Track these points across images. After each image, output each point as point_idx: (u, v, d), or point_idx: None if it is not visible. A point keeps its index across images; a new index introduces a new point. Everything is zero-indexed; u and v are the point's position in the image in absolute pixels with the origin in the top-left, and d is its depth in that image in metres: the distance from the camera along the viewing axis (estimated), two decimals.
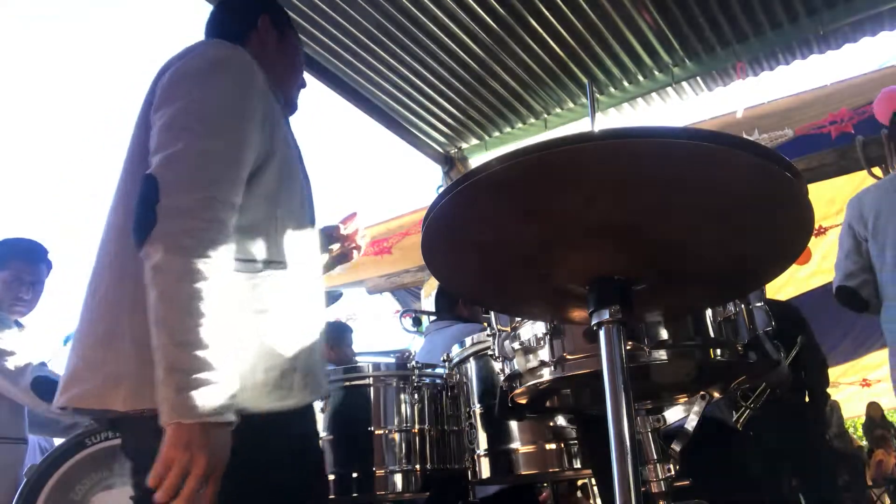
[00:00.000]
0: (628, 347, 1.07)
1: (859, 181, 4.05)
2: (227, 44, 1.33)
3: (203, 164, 1.15)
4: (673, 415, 1.38)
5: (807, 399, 3.26)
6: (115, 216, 1.27)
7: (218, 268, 1.10)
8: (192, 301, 1.06)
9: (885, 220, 2.57)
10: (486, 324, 3.24)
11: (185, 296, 1.06)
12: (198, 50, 1.30)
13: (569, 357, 1.22)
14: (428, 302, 4.87)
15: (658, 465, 1.26)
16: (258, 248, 1.24)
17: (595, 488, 2.26)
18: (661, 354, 1.16)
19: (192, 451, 1.01)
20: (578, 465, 1.95)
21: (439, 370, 2.31)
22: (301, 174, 1.43)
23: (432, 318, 3.29)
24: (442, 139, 4.83)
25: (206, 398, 1.03)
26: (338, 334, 3.95)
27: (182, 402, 1.02)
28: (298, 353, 1.26)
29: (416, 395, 2.22)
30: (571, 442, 1.94)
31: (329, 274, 4.87)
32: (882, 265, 2.57)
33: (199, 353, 1.04)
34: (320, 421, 2.24)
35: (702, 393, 1.35)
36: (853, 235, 2.70)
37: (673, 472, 1.26)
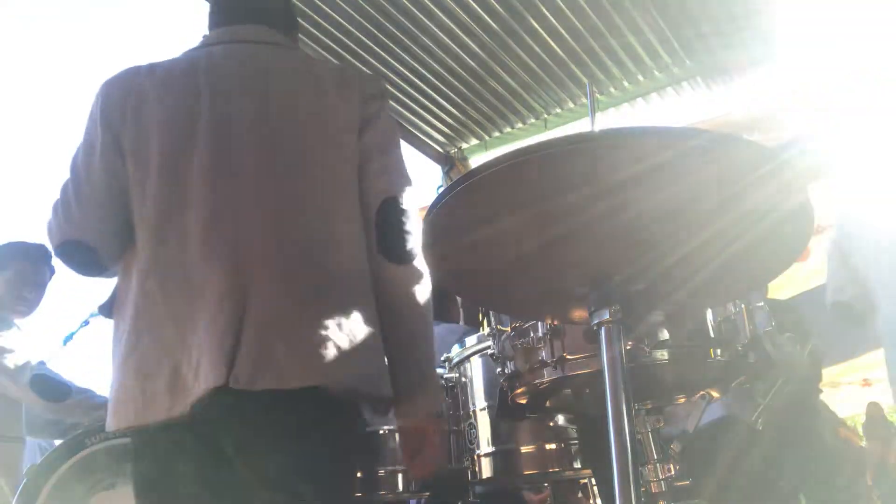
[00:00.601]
0: (628, 347, 1.07)
1: (859, 181, 4.05)
2: None
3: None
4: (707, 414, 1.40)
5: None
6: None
7: None
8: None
9: (871, 229, 2.58)
10: (463, 324, 3.26)
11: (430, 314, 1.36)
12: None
13: (569, 357, 1.22)
14: None
15: (658, 465, 1.26)
16: None
17: (595, 488, 2.26)
18: (661, 354, 1.16)
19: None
20: (578, 465, 1.95)
21: (439, 370, 2.31)
22: None
23: None
24: (442, 139, 4.83)
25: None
26: None
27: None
28: None
29: None
30: (571, 442, 1.94)
31: None
32: (875, 269, 2.58)
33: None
34: None
35: (702, 393, 1.35)
36: (839, 248, 2.71)
37: (673, 472, 1.26)
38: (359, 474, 2.13)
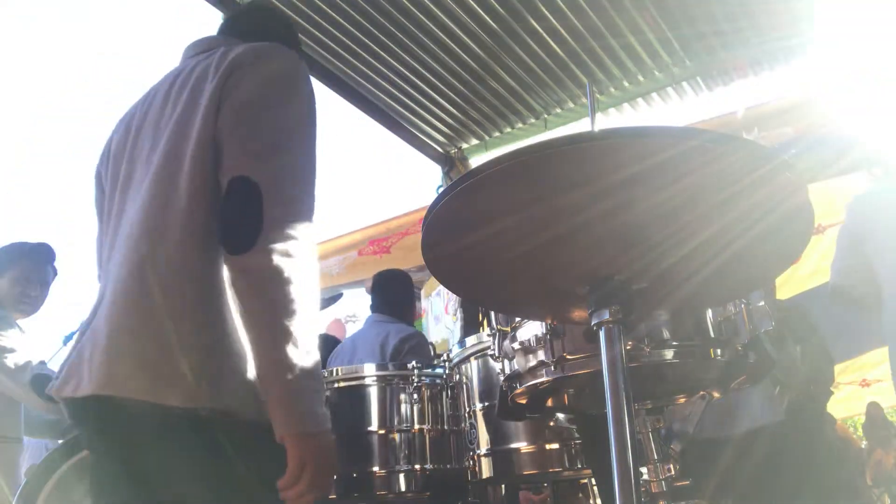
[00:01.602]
0: (628, 347, 1.07)
1: (859, 181, 4.06)
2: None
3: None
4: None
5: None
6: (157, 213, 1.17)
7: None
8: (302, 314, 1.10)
9: (885, 222, 2.58)
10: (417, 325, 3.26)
11: (293, 307, 1.09)
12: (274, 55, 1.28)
13: (569, 357, 1.22)
14: (427, 302, 4.88)
15: (658, 465, 1.26)
16: None
17: (595, 488, 2.26)
18: (662, 354, 1.16)
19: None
20: (578, 465, 1.95)
21: (439, 370, 2.31)
22: None
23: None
24: (442, 139, 4.83)
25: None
26: (326, 346, 3.96)
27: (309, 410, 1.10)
28: None
29: (416, 395, 2.22)
30: (571, 442, 1.94)
31: (329, 274, 4.90)
32: (882, 265, 2.58)
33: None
34: None
35: (702, 393, 1.35)
36: (849, 235, 2.71)
37: (673, 472, 1.26)
38: (356, 475, 2.12)
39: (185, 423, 1.07)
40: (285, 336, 1.07)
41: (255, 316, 1.09)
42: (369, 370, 2.30)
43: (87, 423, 1.19)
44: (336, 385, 2.25)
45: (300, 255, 1.11)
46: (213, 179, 1.15)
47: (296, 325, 1.08)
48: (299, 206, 1.15)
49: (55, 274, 2.85)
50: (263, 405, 1.09)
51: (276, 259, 1.08)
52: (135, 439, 1.11)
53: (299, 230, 1.12)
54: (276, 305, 1.08)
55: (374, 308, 3.25)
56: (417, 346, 2.89)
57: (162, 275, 1.12)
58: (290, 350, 1.07)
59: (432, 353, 2.89)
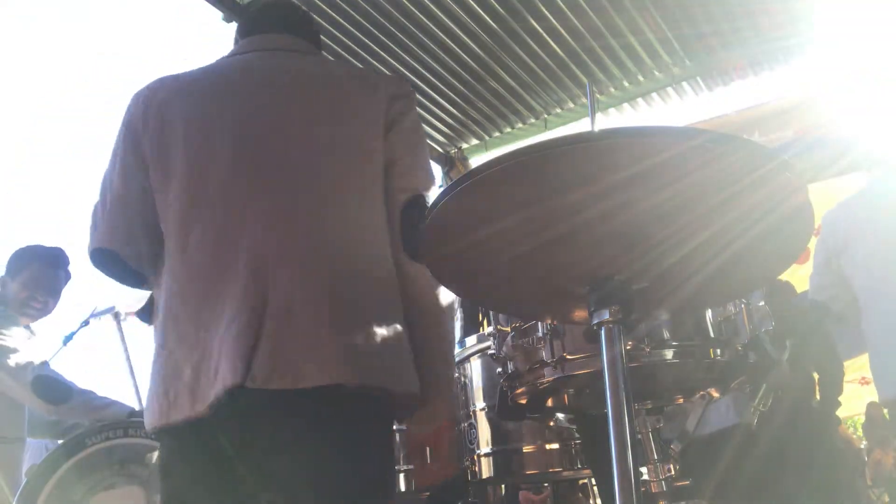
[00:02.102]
0: (628, 347, 1.07)
1: (859, 181, 4.05)
2: None
3: None
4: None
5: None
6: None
7: None
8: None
9: (859, 232, 2.59)
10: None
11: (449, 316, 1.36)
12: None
13: (569, 357, 1.22)
14: None
15: (658, 465, 1.26)
16: None
17: (595, 488, 2.26)
18: (662, 354, 1.16)
19: None
20: (578, 465, 1.95)
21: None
22: None
23: None
24: (442, 139, 4.83)
25: None
26: None
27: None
28: None
29: None
30: (571, 442, 1.94)
31: None
32: (857, 274, 2.58)
33: None
34: None
35: (701, 393, 1.35)
36: (825, 249, 2.73)
37: (673, 472, 1.26)
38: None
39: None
40: (448, 336, 1.37)
41: (432, 311, 1.32)
42: None
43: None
44: None
45: None
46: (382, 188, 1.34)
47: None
48: None
49: (68, 279, 2.84)
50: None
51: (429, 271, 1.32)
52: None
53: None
54: (446, 305, 1.33)
55: None
56: None
57: (360, 262, 1.27)
58: (449, 349, 1.38)
59: None
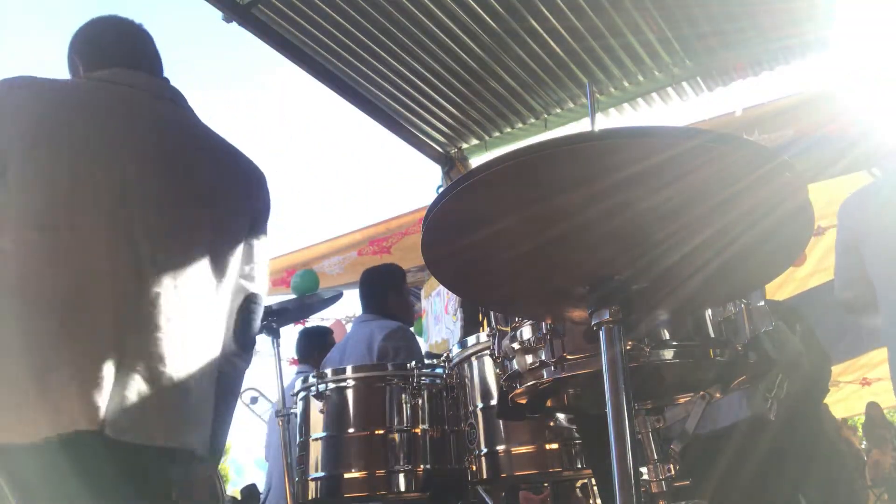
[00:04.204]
0: (628, 347, 1.07)
1: (859, 181, 4.05)
2: None
3: None
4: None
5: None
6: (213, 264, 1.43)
7: None
8: None
9: (875, 223, 2.57)
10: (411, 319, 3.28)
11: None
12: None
13: (569, 357, 1.22)
14: (427, 302, 4.88)
15: (658, 465, 1.26)
16: None
17: (595, 488, 2.26)
18: (662, 354, 1.16)
19: None
20: (578, 465, 1.95)
21: (439, 370, 2.31)
22: None
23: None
24: (442, 139, 4.83)
25: None
26: (321, 338, 3.96)
27: None
28: None
29: (416, 395, 2.21)
30: (571, 442, 1.94)
31: (329, 274, 4.92)
32: (874, 267, 2.57)
33: None
34: (321, 421, 2.24)
35: (702, 393, 1.35)
36: (843, 243, 2.71)
37: (673, 472, 1.26)
38: (356, 475, 2.14)
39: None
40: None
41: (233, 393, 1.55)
42: (369, 370, 2.30)
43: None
44: (336, 385, 2.25)
45: None
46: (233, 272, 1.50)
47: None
48: None
49: None
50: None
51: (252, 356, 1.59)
52: None
53: None
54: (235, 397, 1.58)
55: (361, 309, 3.27)
56: (405, 343, 2.88)
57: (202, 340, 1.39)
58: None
59: (418, 344, 2.91)
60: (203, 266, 1.38)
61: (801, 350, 2.03)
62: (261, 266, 1.56)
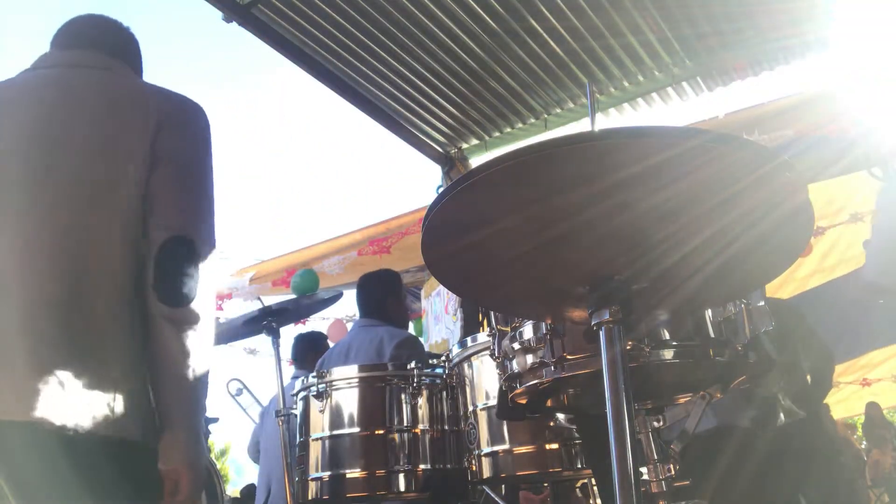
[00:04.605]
0: (628, 347, 1.07)
1: (859, 181, 4.05)
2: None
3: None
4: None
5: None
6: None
7: None
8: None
9: None
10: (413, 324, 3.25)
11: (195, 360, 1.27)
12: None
13: (569, 357, 1.22)
14: (427, 302, 4.88)
15: (658, 465, 1.26)
16: None
17: (595, 488, 2.26)
18: (662, 354, 1.16)
19: None
20: (578, 465, 1.95)
21: (439, 370, 2.31)
22: None
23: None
24: (442, 139, 4.83)
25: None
26: (316, 344, 3.96)
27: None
28: None
29: (416, 395, 2.22)
30: (571, 442, 1.94)
31: (329, 274, 4.90)
32: None
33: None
34: (321, 421, 2.24)
35: (702, 393, 1.35)
36: (880, 230, 2.68)
37: (673, 472, 1.25)
38: (356, 475, 2.13)
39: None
40: (197, 382, 1.26)
41: (175, 358, 1.25)
42: (369, 370, 2.30)
43: None
44: (336, 385, 2.25)
45: (212, 314, 1.31)
46: (140, 230, 1.28)
47: (205, 376, 1.28)
48: (213, 254, 1.33)
49: None
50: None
51: (203, 316, 1.27)
52: None
53: (212, 288, 1.32)
54: (196, 354, 1.25)
55: (360, 313, 3.27)
56: (417, 353, 2.89)
57: (87, 315, 1.21)
58: (199, 395, 1.28)
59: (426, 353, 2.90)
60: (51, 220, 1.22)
61: (802, 368, 2.03)
62: (186, 205, 1.31)
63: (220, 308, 4.87)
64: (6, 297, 1.17)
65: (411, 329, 5.22)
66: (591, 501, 2.34)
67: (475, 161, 4.89)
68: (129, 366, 1.23)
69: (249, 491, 6.16)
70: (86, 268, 1.22)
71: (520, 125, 4.68)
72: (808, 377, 2.73)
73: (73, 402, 1.14)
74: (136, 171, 1.28)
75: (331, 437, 2.20)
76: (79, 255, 1.22)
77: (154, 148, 1.29)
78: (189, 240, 1.28)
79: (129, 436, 1.19)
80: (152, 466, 1.23)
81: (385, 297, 3.22)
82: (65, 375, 1.14)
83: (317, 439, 2.23)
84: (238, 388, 4.15)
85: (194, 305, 1.26)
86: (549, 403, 1.47)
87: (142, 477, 1.22)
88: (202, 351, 1.27)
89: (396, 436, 2.18)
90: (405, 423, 2.20)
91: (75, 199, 1.25)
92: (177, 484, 1.24)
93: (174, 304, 1.25)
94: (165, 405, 1.25)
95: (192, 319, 1.25)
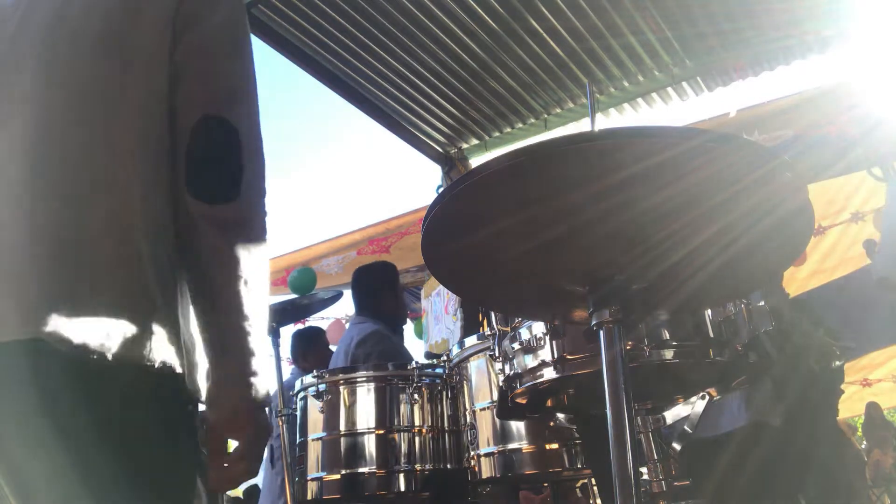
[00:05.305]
0: (628, 347, 1.07)
1: (859, 181, 4.06)
2: None
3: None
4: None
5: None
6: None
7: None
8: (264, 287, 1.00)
9: None
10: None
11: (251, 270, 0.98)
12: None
13: (569, 357, 1.22)
14: (427, 302, 4.88)
15: (658, 465, 1.26)
16: None
17: (595, 488, 2.26)
18: (662, 354, 1.16)
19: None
20: (578, 465, 1.95)
21: (439, 370, 2.31)
22: None
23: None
24: (442, 139, 4.83)
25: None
26: (310, 342, 3.96)
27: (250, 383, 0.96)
28: None
29: (416, 395, 2.22)
30: (571, 442, 1.94)
31: (329, 274, 4.89)
32: None
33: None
34: (320, 421, 2.24)
35: (702, 393, 1.35)
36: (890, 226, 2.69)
37: (673, 472, 1.26)
38: (356, 475, 2.12)
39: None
40: (253, 300, 0.96)
41: (221, 268, 0.96)
42: (369, 370, 2.30)
43: None
44: (336, 385, 2.25)
45: (268, 215, 1.02)
46: (168, 119, 1.00)
47: (262, 294, 0.98)
48: (264, 160, 1.04)
49: None
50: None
51: (254, 217, 0.99)
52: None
53: (266, 186, 1.03)
54: (249, 263, 0.97)
55: (354, 309, 3.27)
56: (377, 349, 2.84)
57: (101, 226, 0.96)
58: (258, 315, 0.97)
59: (393, 345, 2.87)
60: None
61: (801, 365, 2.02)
62: (224, 77, 1.04)
63: None
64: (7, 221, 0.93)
65: (411, 329, 5.22)
66: (591, 501, 2.34)
67: (475, 161, 4.89)
68: (156, 288, 0.96)
69: (252, 491, 6.16)
70: (89, 176, 0.96)
71: (520, 125, 4.68)
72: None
73: (87, 323, 0.89)
74: (159, 47, 1.01)
75: (330, 437, 2.20)
76: (82, 161, 0.97)
77: (176, 19, 1.02)
78: (229, 123, 1.00)
79: (162, 366, 0.92)
80: (191, 414, 0.97)
81: (379, 291, 3.18)
82: (77, 294, 0.91)
83: (316, 439, 2.23)
84: None
85: (242, 202, 0.97)
86: (549, 403, 1.47)
87: (177, 423, 0.95)
88: (258, 262, 0.98)
89: (396, 436, 2.18)
90: (405, 423, 2.20)
91: (80, 90, 0.99)
92: (225, 441, 0.96)
93: (213, 199, 0.97)
94: (214, 333, 0.96)
95: (240, 219, 0.97)
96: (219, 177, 0.99)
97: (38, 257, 0.92)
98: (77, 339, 0.88)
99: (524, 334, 1.31)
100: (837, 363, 2.88)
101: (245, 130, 1.01)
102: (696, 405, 1.35)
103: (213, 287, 0.97)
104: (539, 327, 1.27)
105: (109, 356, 0.89)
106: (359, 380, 2.25)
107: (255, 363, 0.96)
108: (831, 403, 2.79)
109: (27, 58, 1.02)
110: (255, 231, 0.99)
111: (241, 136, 1.00)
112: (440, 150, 4.90)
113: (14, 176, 0.96)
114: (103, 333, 0.90)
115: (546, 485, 2.41)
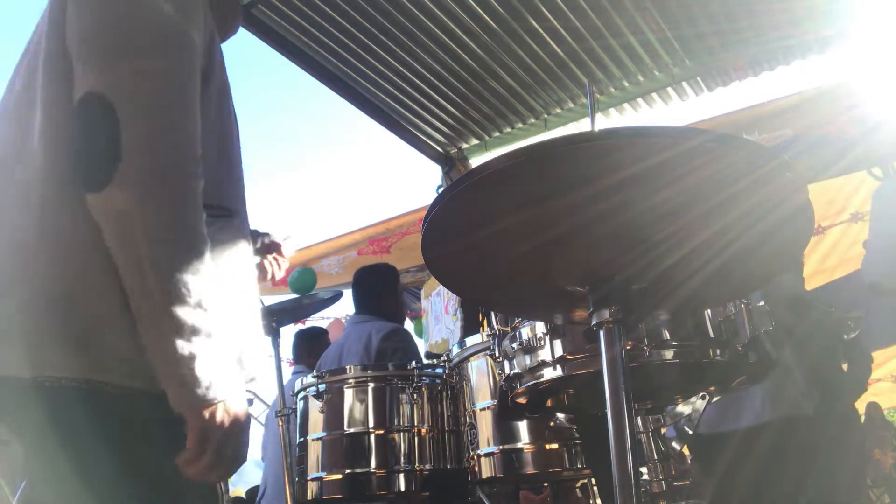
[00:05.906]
0: (628, 347, 1.07)
1: (859, 181, 4.05)
2: None
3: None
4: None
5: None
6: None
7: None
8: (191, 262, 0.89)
9: None
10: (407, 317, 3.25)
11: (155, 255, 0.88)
12: None
13: (569, 357, 1.22)
14: (427, 302, 4.88)
15: (658, 465, 1.26)
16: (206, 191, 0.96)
17: (595, 488, 2.26)
18: (662, 354, 1.16)
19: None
20: (578, 465, 1.95)
21: (439, 370, 2.31)
22: (234, 114, 1.14)
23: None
24: (442, 139, 4.83)
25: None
26: (314, 341, 3.97)
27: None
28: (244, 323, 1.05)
29: (416, 395, 2.22)
30: (571, 442, 1.95)
31: (329, 274, 4.88)
32: None
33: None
34: (320, 421, 2.24)
35: (702, 393, 1.35)
36: (878, 228, 2.69)
37: (674, 472, 1.26)
38: (356, 475, 2.12)
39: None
40: (172, 292, 0.86)
41: (128, 269, 0.87)
42: (368, 370, 2.30)
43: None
44: (336, 385, 2.25)
45: (174, 183, 0.89)
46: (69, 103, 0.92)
47: (183, 276, 0.87)
48: (167, 118, 0.90)
49: None
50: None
51: (142, 193, 0.86)
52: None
53: (172, 152, 0.90)
54: (153, 256, 0.86)
55: (354, 309, 3.28)
56: (403, 345, 2.88)
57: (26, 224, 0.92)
58: (177, 308, 0.87)
59: (415, 345, 2.92)
60: None
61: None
62: (103, 44, 0.91)
63: None
64: None
65: (411, 329, 5.22)
66: (591, 501, 2.34)
67: (475, 161, 4.88)
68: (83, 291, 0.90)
69: (254, 492, 6.16)
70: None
71: (520, 125, 4.68)
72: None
73: (19, 348, 0.87)
74: (52, 23, 0.94)
75: (330, 437, 2.20)
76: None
77: None
78: (100, 96, 0.87)
79: (95, 377, 0.89)
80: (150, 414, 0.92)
81: (381, 292, 3.22)
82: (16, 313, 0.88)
83: (316, 439, 2.23)
84: (249, 398, 4.16)
85: (126, 187, 0.85)
86: (549, 403, 1.47)
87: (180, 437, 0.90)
88: (172, 251, 0.87)
89: (396, 436, 2.18)
90: (405, 423, 2.20)
91: (16, 93, 0.98)
92: (192, 435, 0.90)
93: (94, 187, 0.86)
94: (146, 342, 0.89)
95: (124, 206, 0.86)
96: (94, 161, 0.88)
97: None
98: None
99: (524, 334, 1.31)
100: (853, 335, 2.88)
101: (122, 93, 0.88)
102: (696, 405, 1.35)
103: (127, 287, 0.89)
104: (539, 327, 1.27)
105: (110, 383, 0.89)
106: (359, 380, 2.25)
107: (183, 367, 0.87)
108: (860, 379, 2.77)
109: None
110: (134, 203, 0.86)
111: (115, 106, 0.87)
112: (440, 150, 4.90)
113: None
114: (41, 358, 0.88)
115: (546, 485, 2.41)
